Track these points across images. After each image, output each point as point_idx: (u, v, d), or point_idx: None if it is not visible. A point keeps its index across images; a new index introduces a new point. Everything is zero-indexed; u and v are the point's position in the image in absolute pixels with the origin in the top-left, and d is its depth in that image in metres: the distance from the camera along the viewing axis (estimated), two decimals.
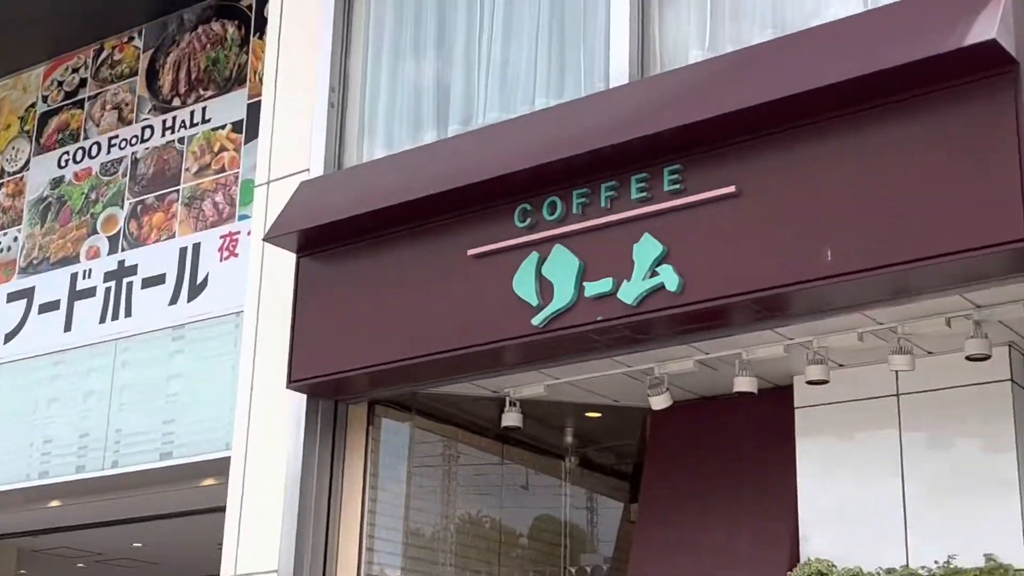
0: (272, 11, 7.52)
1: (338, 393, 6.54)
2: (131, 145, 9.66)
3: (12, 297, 9.90)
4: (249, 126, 8.88)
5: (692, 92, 5.50)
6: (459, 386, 6.59)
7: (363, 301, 6.30)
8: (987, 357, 5.54)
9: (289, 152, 7.04)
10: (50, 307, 9.60)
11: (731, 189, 5.20)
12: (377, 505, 6.79)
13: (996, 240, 4.59)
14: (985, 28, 4.62)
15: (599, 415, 7.59)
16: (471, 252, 5.89)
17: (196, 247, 8.94)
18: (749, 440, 6.70)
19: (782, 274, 5.05)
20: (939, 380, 5.90)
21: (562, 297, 5.56)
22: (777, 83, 5.14)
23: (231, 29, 9.39)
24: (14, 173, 10.38)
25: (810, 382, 5.95)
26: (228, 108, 9.17)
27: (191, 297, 8.83)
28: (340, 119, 6.95)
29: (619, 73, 5.94)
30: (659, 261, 5.33)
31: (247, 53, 9.19)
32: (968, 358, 5.54)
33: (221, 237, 8.85)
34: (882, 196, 4.85)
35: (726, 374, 6.19)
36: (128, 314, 9.11)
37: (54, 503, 9.59)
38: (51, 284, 9.66)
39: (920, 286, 4.99)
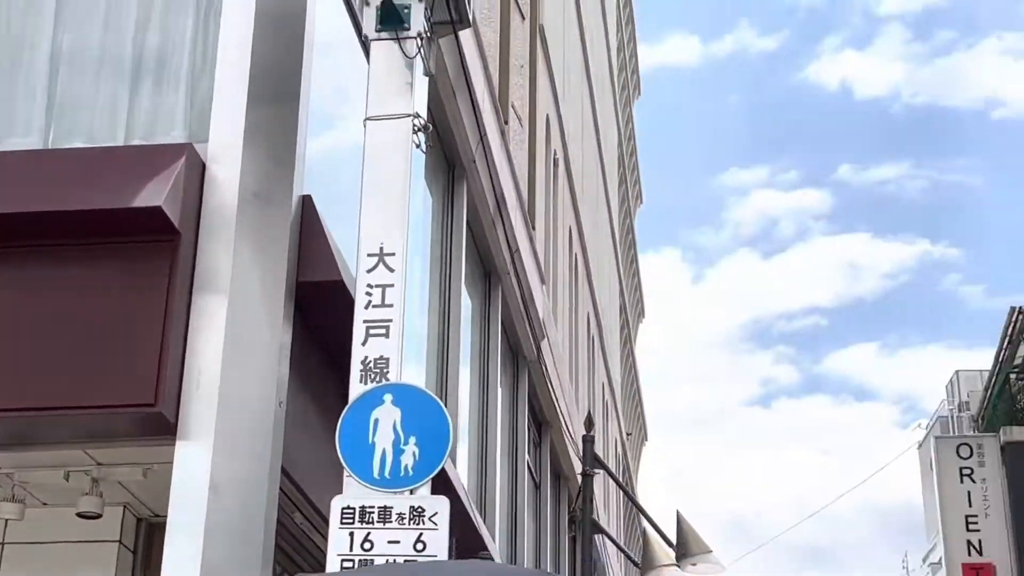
0: None
1: None
2: None
3: None
4: None
5: None
6: None
7: None
8: (99, 515, 5.48)
9: None
10: None
11: None
12: None
13: (125, 401, 4.61)
14: (155, 193, 4.70)
15: None
16: None
17: None
18: None
19: None
20: (49, 533, 5.70)
21: None
22: None
23: None
24: None
25: None
26: None
27: None
28: None
29: None
30: None
31: None
32: (80, 515, 5.43)
33: None
34: (16, 336, 4.67)
35: None
36: None
37: None
38: None
39: (42, 435, 4.83)
